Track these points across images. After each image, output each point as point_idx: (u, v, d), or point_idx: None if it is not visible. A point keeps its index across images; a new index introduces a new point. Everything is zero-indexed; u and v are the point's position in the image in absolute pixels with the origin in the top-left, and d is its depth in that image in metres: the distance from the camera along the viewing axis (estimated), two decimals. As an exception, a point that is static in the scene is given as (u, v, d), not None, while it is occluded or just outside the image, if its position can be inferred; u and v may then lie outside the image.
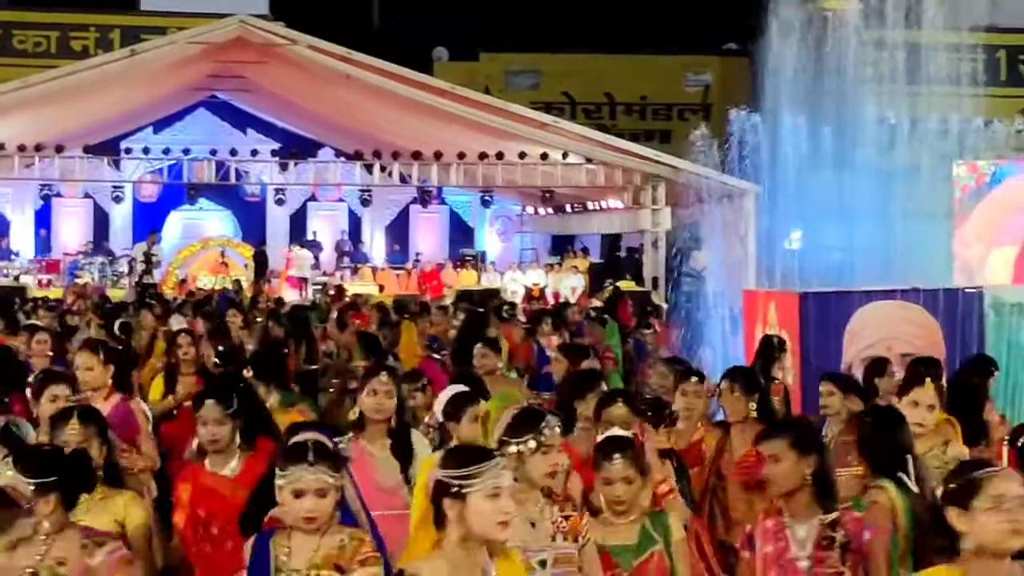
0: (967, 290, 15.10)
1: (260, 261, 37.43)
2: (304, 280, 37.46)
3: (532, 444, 6.11)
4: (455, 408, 7.97)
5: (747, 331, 15.00)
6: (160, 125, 39.60)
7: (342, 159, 38.08)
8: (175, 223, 41.78)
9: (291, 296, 32.75)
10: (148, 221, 39.93)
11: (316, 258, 39.66)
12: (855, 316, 13.71)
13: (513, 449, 6.05)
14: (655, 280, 34.27)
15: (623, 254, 40.63)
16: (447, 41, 46.64)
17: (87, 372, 9.48)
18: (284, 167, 37.17)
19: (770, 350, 12.28)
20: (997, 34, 37.53)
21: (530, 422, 6.20)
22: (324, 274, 39.05)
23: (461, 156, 34.80)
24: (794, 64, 24.29)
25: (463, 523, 4.95)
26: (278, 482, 5.53)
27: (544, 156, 34.48)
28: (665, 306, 27.94)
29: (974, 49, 32.17)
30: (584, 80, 46.72)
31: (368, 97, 32.57)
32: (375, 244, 43.27)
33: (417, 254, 42.16)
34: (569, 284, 36.46)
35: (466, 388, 8.29)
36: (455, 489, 4.94)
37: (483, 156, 34.57)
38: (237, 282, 35.44)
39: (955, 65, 27.61)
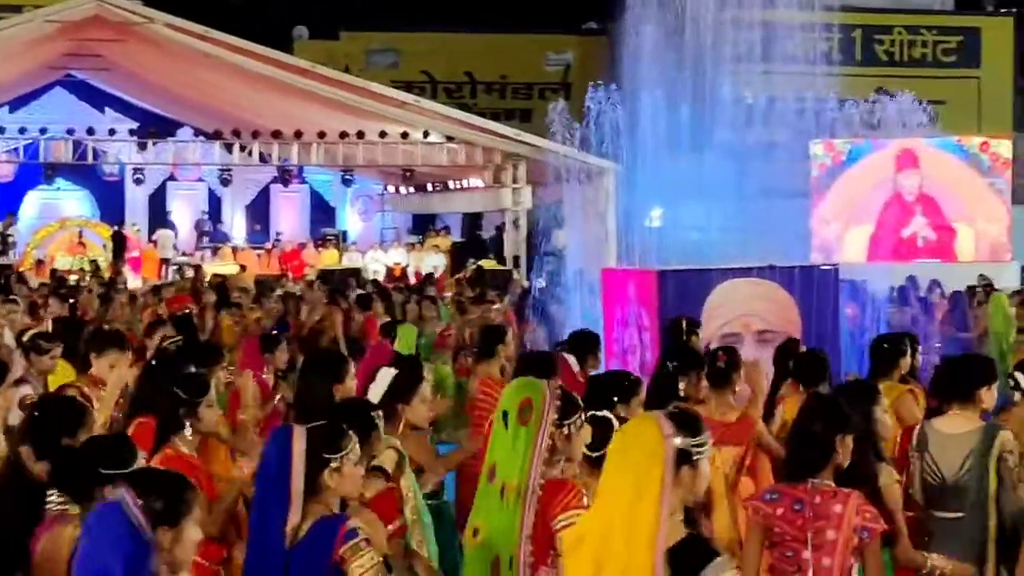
0: (823, 267, 15.32)
1: (118, 241, 36.88)
2: (166, 261, 37.07)
3: (579, 423, 6.25)
4: (406, 390, 7.97)
5: (606, 309, 15.05)
6: (16, 104, 38.81)
7: (201, 138, 37.59)
8: (32, 203, 41.10)
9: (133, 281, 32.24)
10: (4, 201, 39.19)
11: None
12: (713, 294, 13.81)
13: (565, 430, 6.12)
14: (516, 259, 34.36)
15: (484, 233, 40.68)
16: (307, 20, 46.25)
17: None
18: (143, 146, 36.57)
19: (679, 332, 12.32)
20: (852, 13, 38.05)
21: (574, 405, 6.28)
22: (184, 254, 38.64)
23: (321, 135, 34.58)
24: (652, 43, 24.42)
25: (690, 489, 4.97)
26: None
27: (405, 135, 34.37)
28: (529, 284, 27.99)
29: (829, 28, 32.65)
30: (444, 59, 46.59)
31: (227, 76, 32.22)
32: (235, 224, 42.93)
33: (278, 233, 41.90)
34: (431, 263, 36.43)
35: (401, 370, 8.20)
36: (695, 457, 4.97)
37: (343, 135, 34.38)
38: (94, 263, 34.96)
39: (811, 45, 27.95)
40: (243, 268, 35.38)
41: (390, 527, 6.55)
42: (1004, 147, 30.40)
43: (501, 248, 36.09)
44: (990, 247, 29.47)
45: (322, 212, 43.84)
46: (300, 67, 32.66)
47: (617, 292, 14.84)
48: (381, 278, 32.84)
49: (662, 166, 24.74)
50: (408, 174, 37.79)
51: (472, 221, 41.57)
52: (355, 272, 33.10)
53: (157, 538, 4.63)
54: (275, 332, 13.80)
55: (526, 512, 5.75)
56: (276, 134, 34.79)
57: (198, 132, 38.33)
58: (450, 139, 34.45)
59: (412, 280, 32.97)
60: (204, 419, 7.67)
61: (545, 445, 5.87)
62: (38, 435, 6.59)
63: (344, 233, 42.49)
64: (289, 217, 43.53)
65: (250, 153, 36.40)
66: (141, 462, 5.79)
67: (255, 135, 35.09)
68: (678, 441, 4.85)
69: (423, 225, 42.44)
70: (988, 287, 21.99)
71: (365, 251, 39.06)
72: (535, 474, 5.79)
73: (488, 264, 33.68)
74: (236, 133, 35.36)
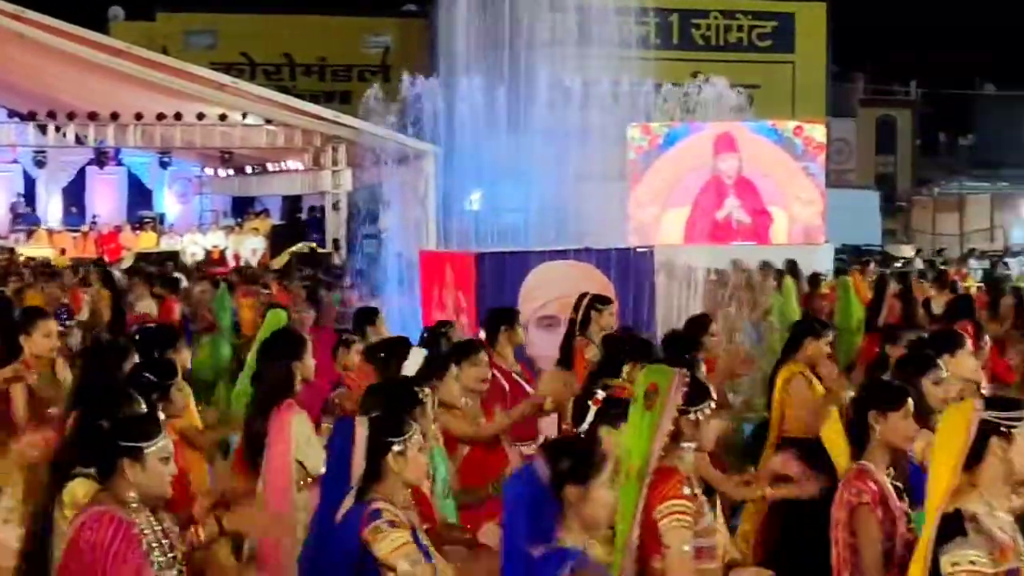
0: (638, 249, 15.46)
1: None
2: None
3: (707, 411, 6.30)
4: (439, 368, 8.02)
5: (424, 291, 15.04)
6: None
7: (15, 119, 36.78)
8: None
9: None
10: None
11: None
12: (529, 276, 13.86)
13: (692, 417, 6.15)
14: (336, 242, 34.19)
15: (304, 215, 40.42)
16: (123, 1, 45.50)
17: None
18: (-47, 128, 35.65)
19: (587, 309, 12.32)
20: (670, -2, 38.58)
21: (703, 392, 6.30)
22: (-2, 237, 37.80)
23: (138, 117, 34.03)
24: (470, 26, 24.45)
25: (1007, 462, 5.22)
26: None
27: (223, 117, 33.99)
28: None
29: (646, 12, 32.97)
30: (263, 41, 46.17)
31: (42, 57, 31.46)
32: (51, 206, 41.98)
33: (94, 216, 41.09)
34: (250, 246, 36.08)
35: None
36: (1003, 429, 5.20)
37: (161, 117, 33.87)
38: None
39: (628, 28, 28.21)
40: (63, 251, 34.76)
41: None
42: (818, 131, 30.91)
43: (321, 231, 35.88)
44: (804, 230, 29.95)
45: (139, 195, 43.13)
46: (116, 48, 32.04)
47: (435, 274, 14.83)
48: (200, 261, 32.47)
49: (481, 149, 24.83)
50: (227, 156, 37.35)
51: (292, 204, 41.26)
52: (173, 255, 32.67)
53: (567, 496, 5.02)
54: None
55: (640, 496, 5.72)
56: (92, 116, 34.15)
57: (12, 113, 37.49)
58: (269, 121, 34.15)
59: (231, 263, 32.62)
60: (175, 402, 7.60)
61: (667, 431, 5.84)
62: None
63: (162, 216, 41.87)
64: (106, 200, 42.73)
65: (65, 135, 35.64)
66: (165, 442, 5.67)
67: (71, 116, 34.39)
68: (986, 414, 5.23)
69: (242, 208, 42.01)
70: (779, 271, 22.21)
71: (183, 234, 38.53)
72: (654, 459, 5.76)
73: (307, 248, 33.45)
74: (51, 114, 34.62)
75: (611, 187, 27.76)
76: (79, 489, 5.90)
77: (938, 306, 15.94)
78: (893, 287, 16.73)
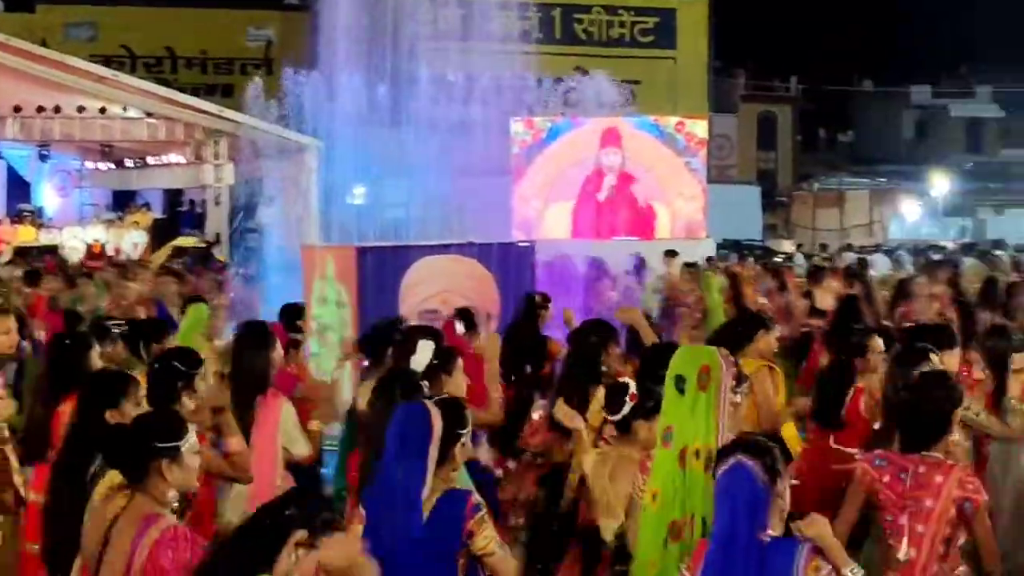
0: (520, 244, 15.53)
1: None
2: None
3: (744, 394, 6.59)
4: (449, 360, 8.26)
5: (305, 285, 14.96)
6: None
7: None
8: None
9: None
10: None
11: None
12: (411, 270, 13.88)
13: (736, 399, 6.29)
14: (218, 236, 33.91)
15: (186, 209, 40.04)
16: (4, -8, 44.98)
17: None
18: None
19: (532, 307, 12.30)
20: (552, -8, 38.72)
21: (740, 374, 6.45)
22: None
23: (17, 109, 33.43)
24: (352, 20, 24.37)
25: None
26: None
27: (103, 110, 33.52)
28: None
29: (529, 7, 33.06)
30: (144, 33, 45.71)
31: (-83, 48, 30.90)
32: (-73, 199, 41.24)
33: (-29, 210, 40.42)
34: (131, 240, 35.69)
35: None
36: None
37: (40, 109, 33.32)
38: None
39: (511, 23, 28.26)
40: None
41: None
42: (699, 127, 31.14)
43: (202, 225, 35.57)
44: (686, 225, 30.18)
45: (18, 188, 42.39)
46: (-7, 39, 31.55)
47: (317, 268, 14.76)
48: (80, 255, 32.04)
49: (363, 143, 24.74)
50: (107, 150, 36.91)
51: (173, 197, 40.85)
52: (52, 249, 32.21)
53: (775, 490, 5.24)
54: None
55: (709, 482, 5.77)
56: (-31, 108, 33.57)
57: None
58: (150, 115, 33.74)
59: (112, 256, 32.24)
60: (199, 392, 7.55)
61: (727, 411, 5.98)
62: None
63: (41, 209, 41.19)
64: (-17, 193, 42.05)
65: (-59, 127, 34.99)
66: (193, 435, 5.72)
67: (-54, 108, 33.79)
68: None
69: (123, 202, 41.47)
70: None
71: (63, 228, 37.98)
72: (722, 440, 5.83)
73: (188, 241, 33.14)
74: (-74, 106, 33.99)
75: (494, 181, 27.80)
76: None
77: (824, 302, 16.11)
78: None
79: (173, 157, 36.51)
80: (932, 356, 7.91)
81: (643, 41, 48.35)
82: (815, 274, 19.61)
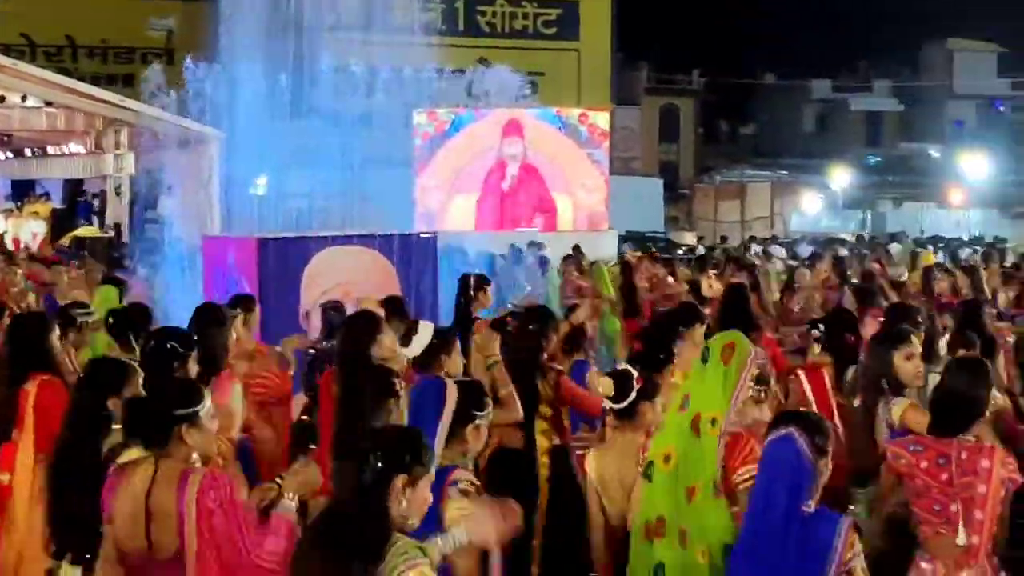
0: (422, 235, 15.55)
1: None
2: None
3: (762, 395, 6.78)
4: (448, 342, 8.36)
5: (206, 276, 14.91)
6: None
7: None
8: None
9: None
10: None
11: None
12: (313, 261, 13.87)
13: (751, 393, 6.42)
14: (118, 226, 33.58)
15: (86, 199, 39.61)
16: (-101, -21, 44.16)
17: None
18: None
19: (466, 288, 12.30)
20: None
21: (763, 377, 6.74)
22: None
23: (-88, 98, 32.99)
24: (253, 10, 24.26)
25: None
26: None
27: (2, 99, 33.08)
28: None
29: (432, -1, 33.01)
30: (44, 21, 45.11)
31: None
32: None
33: None
34: (30, 230, 35.25)
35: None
36: None
37: (-63, 98, 32.88)
38: None
39: (414, 14, 28.24)
40: None
41: None
42: (602, 119, 31.31)
43: (103, 215, 35.22)
44: (589, 217, 30.33)
45: (-85, 178, 41.83)
46: None
47: (218, 259, 14.71)
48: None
49: (265, 134, 24.64)
50: (6, 139, 36.39)
51: (73, 187, 40.39)
52: (-50, 240, 31.80)
53: (818, 467, 5.41)
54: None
55: (720, 444, 5.98)
56: None
57: None
58: (50, 104, 33.35)
59: (10, 246, 31.83)
60: (191, 373, 7.60)
61: (745, 393, 6.14)
62: None
63: (-63, 200, 40.69)
64: None
65: None
66: (209, 401, 5.91)
67: None
68: None
69: (22, 191, 40.93)
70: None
71: (-40, 218, 37.48)
72: (731, 416, 6.01)
73: (88, 232, 32.80)
74: None
75: (397, 173, 27.80)
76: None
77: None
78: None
79: (73, 147, 36.08)
80: (913, 338, 7.93)
81: (546, 33, 48.43)
82: (700, 263, 19.85)
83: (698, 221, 60.34)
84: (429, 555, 4.66)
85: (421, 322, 8.52)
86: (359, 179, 24.59)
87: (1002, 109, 77.51)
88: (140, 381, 6.75)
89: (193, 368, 7.68)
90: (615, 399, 7.02)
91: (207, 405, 5.87)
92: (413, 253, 14.49)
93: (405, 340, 8.28)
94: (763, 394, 6.74)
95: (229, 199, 26.61)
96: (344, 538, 4.56)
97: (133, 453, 5.90)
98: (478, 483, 6.01)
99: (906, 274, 20.24)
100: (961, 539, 6.33)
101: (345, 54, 26.70)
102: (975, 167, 61.65)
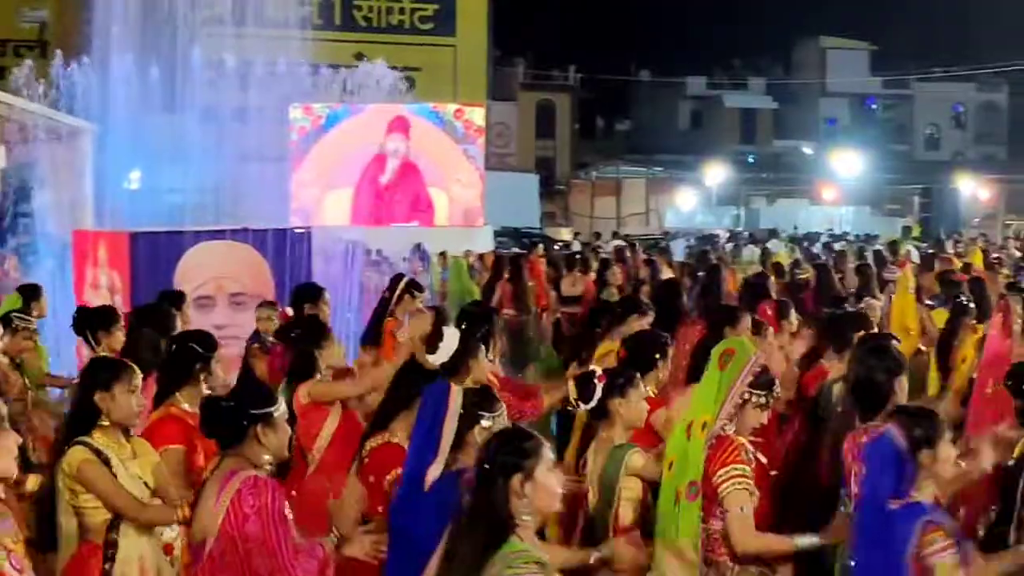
0: (296, 230, 15.58)
1: None
2: None
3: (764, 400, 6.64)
4: (474, 347, 8.23)
5: (77, 271, 14.83)
6: None
7: None
8: None
9: None
10: None
11: None
12: (186, 256, 13.83)
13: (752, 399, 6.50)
14: (-11, 220, 33.15)
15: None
16: None
17: None
18: None
19: (393, 288, 12.27)
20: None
21: (767, 382, 6.63)
22: None
23: None
24: (128, 3, 24.06)
25: None
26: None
27: None
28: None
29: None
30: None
31: None
32: None
33: None
34: None
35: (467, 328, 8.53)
36: None
37: None
38: None
39: (289, 9, 28.14)
40: None
41: None
42: (477, 114, 31.47)
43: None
44: (464, 212, 30.48)
45: None
46: None
47: (89, 254, 14.63)
48: None
49: (139, 128, 24.45)
50: None
51: (-58, 181, 39.80)
52: None
53: (920, 460, 5.43)
54: None
55: (704, 447, 6.09)
56: None
57: None
58: (-83, 95, 32.87)
59: None
60: (215, 375, 7.65)
61: (736, 400, 6.22)
62: None
63: None
64: None
65: None
66: (283, 403, 6.06)
67: None
68: None
69: None
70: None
71: None
72: (720, 421, 6.10)
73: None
74: None
75: (273, 168, 27.73)
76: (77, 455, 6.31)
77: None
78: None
79: (-58, 140, 35.60)
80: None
81: (423, 28, 48.48)
82: (569, 263, 20.08)
83: (574, 217, 60.63)
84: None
85: (446, 329, 8.52)
86: (234, 174, 24.49)
87: (874, 107, 78.85)
88: (136, 381, 6.76)
89: (217, 369, 7.76)
90: (583, 401, 7.07)
91: (281, 408, 6.00)
92: (287, 248, 14.51)
93: (431, 348, 8.31)
94: (767, 399, 6.63)
95: (102, 193, 26.31)
96: (468, 537, 4.76)
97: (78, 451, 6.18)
98: None
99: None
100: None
101: (219, 48, 26.55)
102: (847, 164, 62.71)
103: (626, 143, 75.38)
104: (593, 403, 7.02)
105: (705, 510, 6.22)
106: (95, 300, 13.94)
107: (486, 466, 4.83)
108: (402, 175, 30.06)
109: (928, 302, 13.64)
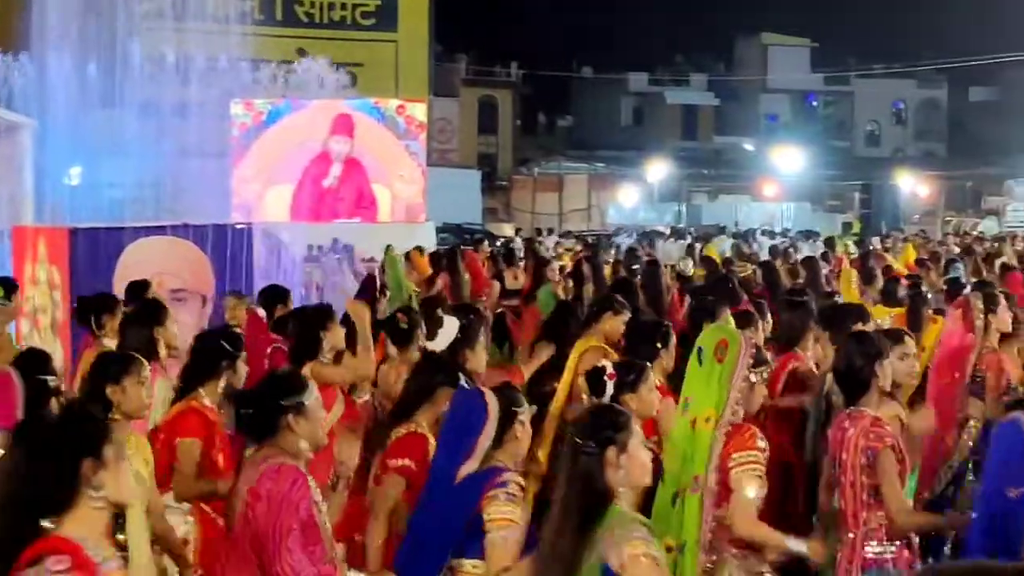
0: (236, 226, 15.58)
1: None
2: None
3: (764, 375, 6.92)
4: (472, 338, 8.52)
5: (16, 267, 14.77)
6: None
7: None
8: None
9: None
10: None
11: None
12: (126, 251, 13.83)
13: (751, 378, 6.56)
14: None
15: None
16: None
17: None
18: None
19: (372, 287, 12.28)
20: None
21: (762, 357, 6.90)
22: None
23: None
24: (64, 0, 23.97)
25: None
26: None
27: None
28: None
29: (249, -11, 32.79)
30: None
31: None
32: None
33: None
34: None
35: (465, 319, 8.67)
36: None
37: None
38: None
39: (230, 4, 28.04)
40: None
41: None
42: (419, 110, 31.29)
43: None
44: (406, 208, 30.39)
45: None
46: None
47: (28, 250, 14.58)
48: None
49: (79, 123, 24.34)
50: None
51: None
52: None
53: None
54: None
55: (717, 443, 6.06)
56: None
57: None
58: None
59: None
60: (239, 374, 7.78)
61: (741, 386, 6.23)
62: None
63: None
64: None
65: None
66: (315, 390, 6.08)
67: None
68: None
69: None
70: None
71: None
72: (729, 409, 6.10)
73: None
74: None
75: (214, 163, 27.62)
76: None
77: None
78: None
79: None
80: (907, 338, 8.06)
81: (364, 24, 48.29)
82: (507, 258, 20.14)
83: (516, 213, 60.75)
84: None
85: (446, 317, 8.56)
86: (174, 169, 24.42)
87: (815, 104, 79.37)
88: (145, 373, 6.89)
89: (242, 368, 7.88)
90: (596, 397, 7.09)
91: (314, 395, 6.02)
92: (227, 243, 14.50)
93: (430, 334, 8.32)
94: (764, 375, 6.88)
95: (42, 189, 26.18)
96: (570, 511, 4.89)
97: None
98: (525, 489, 6.21)
99: (691, 268, 20.74)
100: (835, 503, 6.62)
101: (159, 43, 26.45)
102: (789, 161, 63.10)
103: (568, 139, 75.59)
104: (606, 399, 7.00)
105: (719, 496, 6.26)
106: (35, 296, 13.92)
107: (581, 440, 4.97)
108: (345, 173, 29.96)
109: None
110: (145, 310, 9.19)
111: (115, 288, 13.16)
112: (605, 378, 7.09)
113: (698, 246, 29.25)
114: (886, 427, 6.60)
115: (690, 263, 22.11)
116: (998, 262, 19.97)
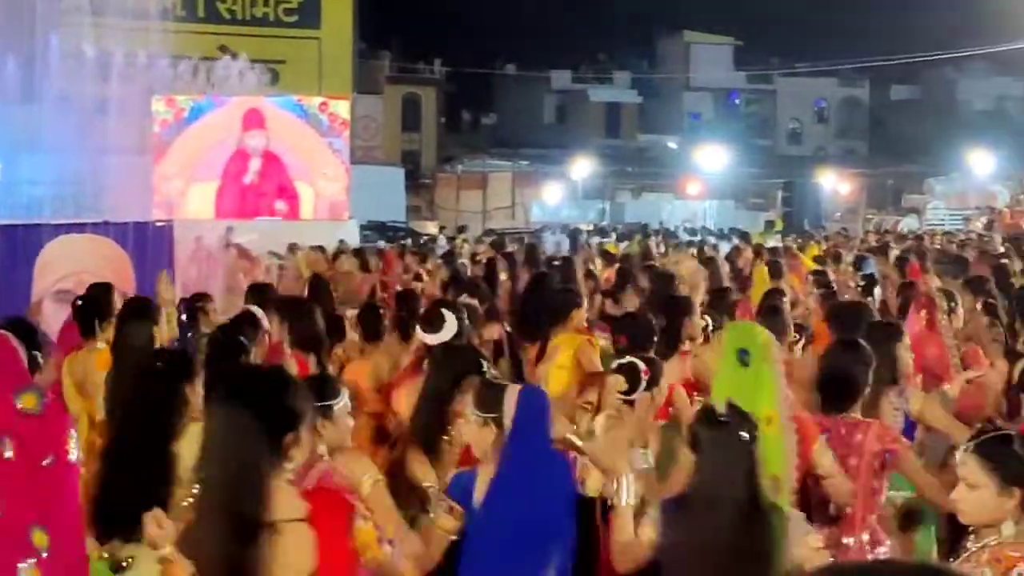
0: (157, 224, 15.44)
1: None
2: None
3: None
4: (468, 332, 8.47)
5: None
6: None
7: None
8: None
9: None
10: None
11: None
12: (45, 249, 13.66)
13: None
14: None
15: None
16: None
17: None
18: None
19: (320, 290, 12.12)
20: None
21: None
22: None
23: None
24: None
25: None
26: None
27: None
28: None
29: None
30: None
31: None
32: None
33: None
34: None
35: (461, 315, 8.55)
36: None
37: None
38: None
39: (153, 0, 27.83)
40: None
41: None
42: (342, 108, 31.29)
43: None
44: (330, 206, 30.31)
45: None
46: None
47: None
48: None
49: (-3, 119, 24.06)
50: None
51: None
52: None
53: None
54: None
55: (788, 441, 5.92)
56: None
57: None
58: None
59: None
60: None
61: (784, 381, 6.11)
62: None
63: None
64: None
65: None
66: (345, 397, 6.08)
67: None
68: None
69: None
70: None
71: None
72: (785, 405, 5.98)
73: None
74: None
75: (135, 160, 27.39)
76: None
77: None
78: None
79: None
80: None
81: (287, 21, 48.02)
82: (422, 252, 20.16)
83: (440, 210, 60.64)
84: None
85: (446, 311, 8.51)
86: (95, 166, 24.16)
87: (737, 102, 79.85)
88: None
89: (258, 360, 7.94)
90: (629, 392, 7.12)
91: (344, 401, 6.02)
92: (148, 241, 14.36)
93: (432, 328, 8.27)
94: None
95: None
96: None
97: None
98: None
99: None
100: (832, 510, 6.62)
101: (79, 38, 26.16)
102: (711, 158, 63.43)
103: (492, 137, 75.58)
104: (638, 394, 7.10)
105: (808, 487, 6.35)
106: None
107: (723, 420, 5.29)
108: (264, 168, 29.80)
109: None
110: (144, 308, 9.00)
111: (35, 288, 13.03)
112: (641, 374, 7.15)
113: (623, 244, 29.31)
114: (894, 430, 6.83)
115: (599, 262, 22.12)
116: (892, 254, 20.26)
